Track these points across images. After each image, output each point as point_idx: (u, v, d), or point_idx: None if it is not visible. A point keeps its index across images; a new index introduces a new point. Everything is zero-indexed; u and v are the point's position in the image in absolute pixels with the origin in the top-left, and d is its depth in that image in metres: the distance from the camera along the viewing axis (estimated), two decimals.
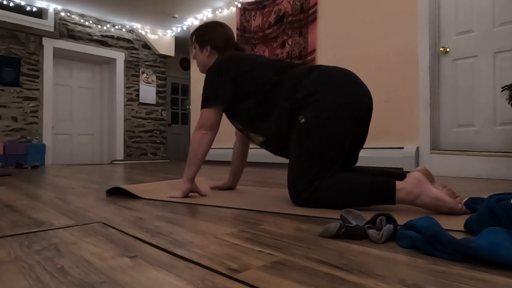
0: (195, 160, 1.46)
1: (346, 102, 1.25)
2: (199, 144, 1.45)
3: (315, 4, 3.84)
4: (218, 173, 3.09)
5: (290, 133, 1.32)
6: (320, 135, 1.23)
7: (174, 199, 1.43)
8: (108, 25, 5.86)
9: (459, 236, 0.68)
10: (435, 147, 2.97)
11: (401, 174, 1.28)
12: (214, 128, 1.47)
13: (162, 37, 6.41)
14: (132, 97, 6.16)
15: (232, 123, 1.58)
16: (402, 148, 3.05)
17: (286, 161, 1.36)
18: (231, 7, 4.96)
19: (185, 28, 6.02)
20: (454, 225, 0.90)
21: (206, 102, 1.47)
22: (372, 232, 0.79)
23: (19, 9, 4.95)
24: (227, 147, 4.32)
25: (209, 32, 1.66)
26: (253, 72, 1.44)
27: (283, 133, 1.35)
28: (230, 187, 1.80)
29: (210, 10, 5.32)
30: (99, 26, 5.78)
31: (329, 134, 1.23)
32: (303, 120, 1.26)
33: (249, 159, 4.38)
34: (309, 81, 1.30)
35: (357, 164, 1.47)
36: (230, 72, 1.45)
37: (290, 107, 1.31)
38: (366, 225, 0.82)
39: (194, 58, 1.71)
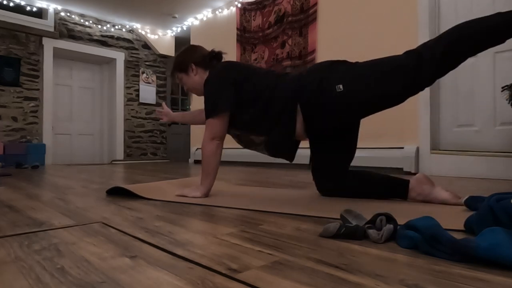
0: (213, 171, 1.50)
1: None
2: (214, 155, 1.48)
3: (315, 4, 3.84)
4: (219, 173, 3.08)
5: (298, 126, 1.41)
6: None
7: (179, 199, 1.43)
8: (108, 25, 5.85)
9: (459, 236, 0.68)
10: (435, 147, 2.97)
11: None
12: (223, 136, 1.50)
13: (162, 37, 6.41)
14: (132, 97, 6.16)
15: (228, 131, 1.58)
16: (402, 148, 3.05)
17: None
18: (231, 7, 4.96)
19: (185, 28, 6.02)
20: (454, 225, 0.90)
21: (213, 111, 1.47)
22: (372, 232, 0.79)
23: (19, 9, 4.95)
24: (228, 147, 4.32)
25: (186, 55, 1.64)
26: (253, 78, 1.48)
27: (288, 130, 1.41)
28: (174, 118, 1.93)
29: (210, 10, 5.31)
30: (99, 26, 5.77)
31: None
32: (341, 88, 1.31)
33: (249, 159, 4.39)
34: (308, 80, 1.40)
35: (358, 164, 1.50)
36: (230, 79, 1.48)
37: (293, 106, 1.39)
38: (366, 225, 0.82)
39: (186, 89, 1.67)
